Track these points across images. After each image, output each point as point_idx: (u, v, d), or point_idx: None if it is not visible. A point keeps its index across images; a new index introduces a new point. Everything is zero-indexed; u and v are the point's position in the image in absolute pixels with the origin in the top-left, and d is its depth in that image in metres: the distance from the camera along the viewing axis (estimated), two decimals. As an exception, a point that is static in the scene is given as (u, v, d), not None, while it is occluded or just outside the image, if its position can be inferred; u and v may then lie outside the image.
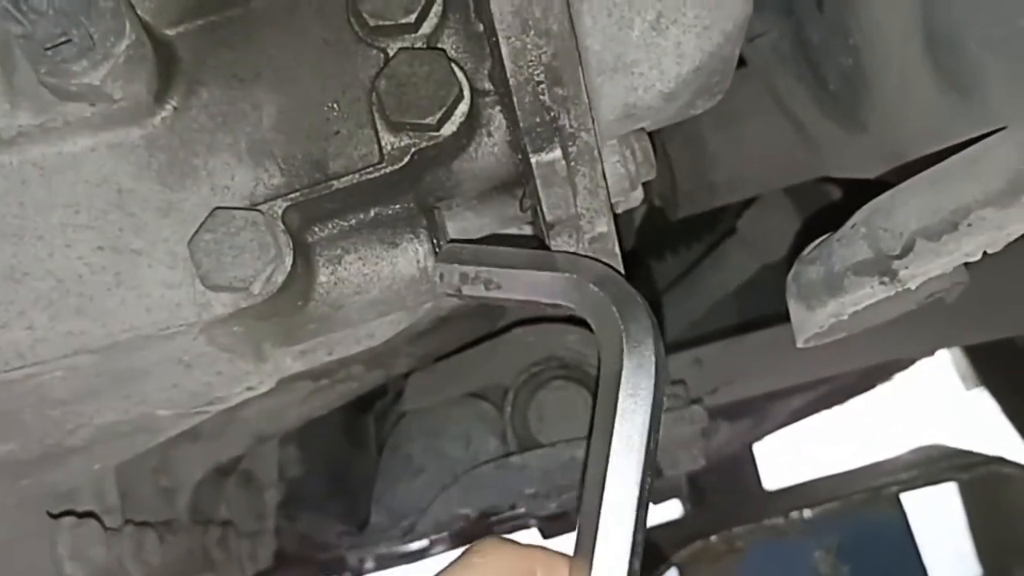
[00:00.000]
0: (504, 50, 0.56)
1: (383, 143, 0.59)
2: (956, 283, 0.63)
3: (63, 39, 0.53)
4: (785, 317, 0.68)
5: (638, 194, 0.72)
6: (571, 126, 0.59)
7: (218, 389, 0.65)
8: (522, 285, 0.61)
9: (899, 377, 2.13)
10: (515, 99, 0.57)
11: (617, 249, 0.63)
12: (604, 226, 0.62)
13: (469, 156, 0.63)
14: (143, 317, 0.58)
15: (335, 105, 0.60)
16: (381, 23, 0.59)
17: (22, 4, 0.52)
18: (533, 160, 0.58)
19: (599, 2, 0.60)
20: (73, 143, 0.58)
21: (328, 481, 1.34)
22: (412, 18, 0.59)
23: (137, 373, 0.62)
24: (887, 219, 0.59)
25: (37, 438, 0.64)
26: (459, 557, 0.54)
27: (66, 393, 0.61)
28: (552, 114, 0.58)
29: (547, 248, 0.64)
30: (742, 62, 0.68)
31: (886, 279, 0.56)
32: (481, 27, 0.61)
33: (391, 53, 0.60)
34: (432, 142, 0.59)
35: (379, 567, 2.03)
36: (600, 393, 0.56)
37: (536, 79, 0.57)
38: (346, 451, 1.36)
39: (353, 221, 0.63)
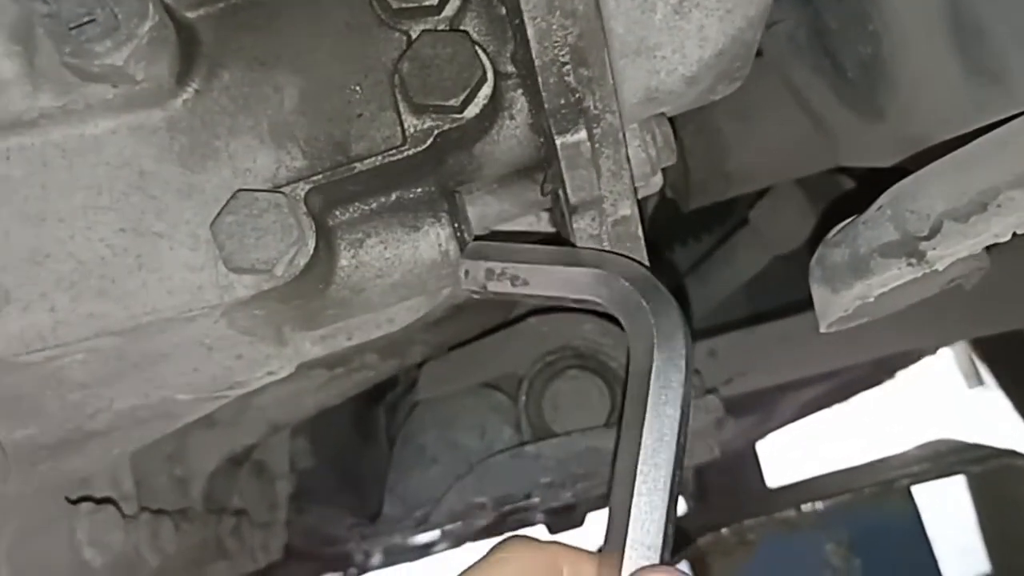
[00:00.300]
0: (530, 31, 0.56)
1: (406, 125, 0.59)
2: (977, 268, 0.63)
3: (88, 18, 0.53)
4: (799, 308, 0.67)
5: (658, 179, 0.72)
6: (596, 108, 0.58)
7: (238, 373, 0.65)
8: (548, 281, 0.60)
9: (901, 375, 2.13)
10: (540, 80, 0.57)
11: (640, 232, 0.62)
12: (627, 208, 0.62)
13: (491, 139, 0.63)
14: (165, 299, 0.58)
15: (357, 87, 0.60)
16: (404, 5, 0.59)
17: (47, -17, 0.52)
18: (558, 142, 0.58)
19: (623, -16, 0.60)
20: (95, 125, 0.58)
21: (338, 473, 1.34)
22: (435, 0, 0.59)
23: (158, 356, 0.62)
24: (913, 201, 0.58)
25: (57, 422, 0.64)
26: (484, 556, 0.53)
27: (87, 376, 0.61)
28: (577, 95, 0.58)
29: (568, 245, 0.63)
30: (757, 51, 0.68)
31: (914, 260, 0.56)
32: (503, 9, 0.61)
33: (414, 35, 0.59)
34: (455, 124, 0.59)
35: (385, 563, 2.03)
36: (630, 388, 0.56)
37: (561, 60, 0.57)
38: (356, 443, 1.36)
39: (374, 204, 0.63)
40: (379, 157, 0.59)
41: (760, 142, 1.09)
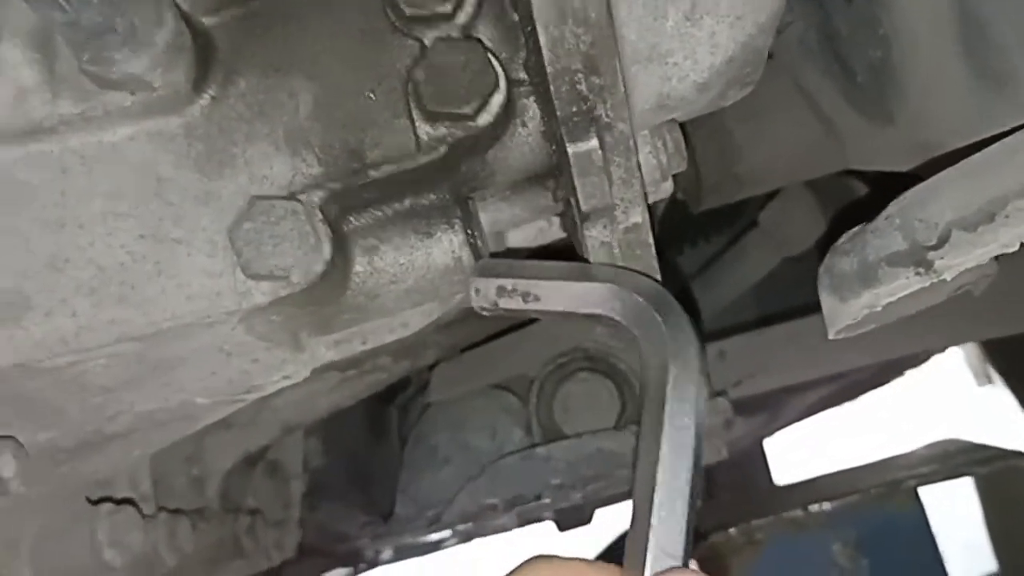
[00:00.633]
0: (542, 39, 0.56)
1: (419, 133, 0.59)
2: (985, 275, 0.63)
3: (106, 27, 0.53)
4: (808, 310, 0.68)
5: (668, 185, 0.73)
6: (607, 116, 0.59)
7: (255, 377, 0.66)
8: (560, 296, 0.61)
9: (911, 374, 2.12)
10: (552, 88, 0.57)
11: (651, 239, 0.63)
12: (638, 216, 0.62)
13: (504, 146, 0.63)
14: (184, 305, 0.59)
15: (371, 94, 0.61)
16: (418, 13, 0.59)
17: (67, -8, 0.52)
18: (570, 150, 0.59)
19: (634, -8, 0.60)
20: (113, 132, 0.59)
21: (351, 472, 1.35)
22: (448, 7, 0.59)
23: (177, 361, 0.63)
24: (922, 210, 0.59)
25: (78, 425, 0.65)
26: (509, 574, 0.53)
27: (108, 380, 0.62)
28: (589, 104, 0.58)
29: (578, 253, 0.64)
30: (768, 54, 0.68)
31: (921, 270, 0.57)
32: (516, 17, 0.61)
33: (427, 43, 0.60)
34: (468, 132, 0.59)
35: (396, 558, 2.03)
36: (646, 402, 0.56)
37: (573, 68, 0.57)
38: (368, 443, 1.36)
39: (389, 211, 0.64)
40: (393, 164, 0.60)
41: (770, 144, 1.08)
